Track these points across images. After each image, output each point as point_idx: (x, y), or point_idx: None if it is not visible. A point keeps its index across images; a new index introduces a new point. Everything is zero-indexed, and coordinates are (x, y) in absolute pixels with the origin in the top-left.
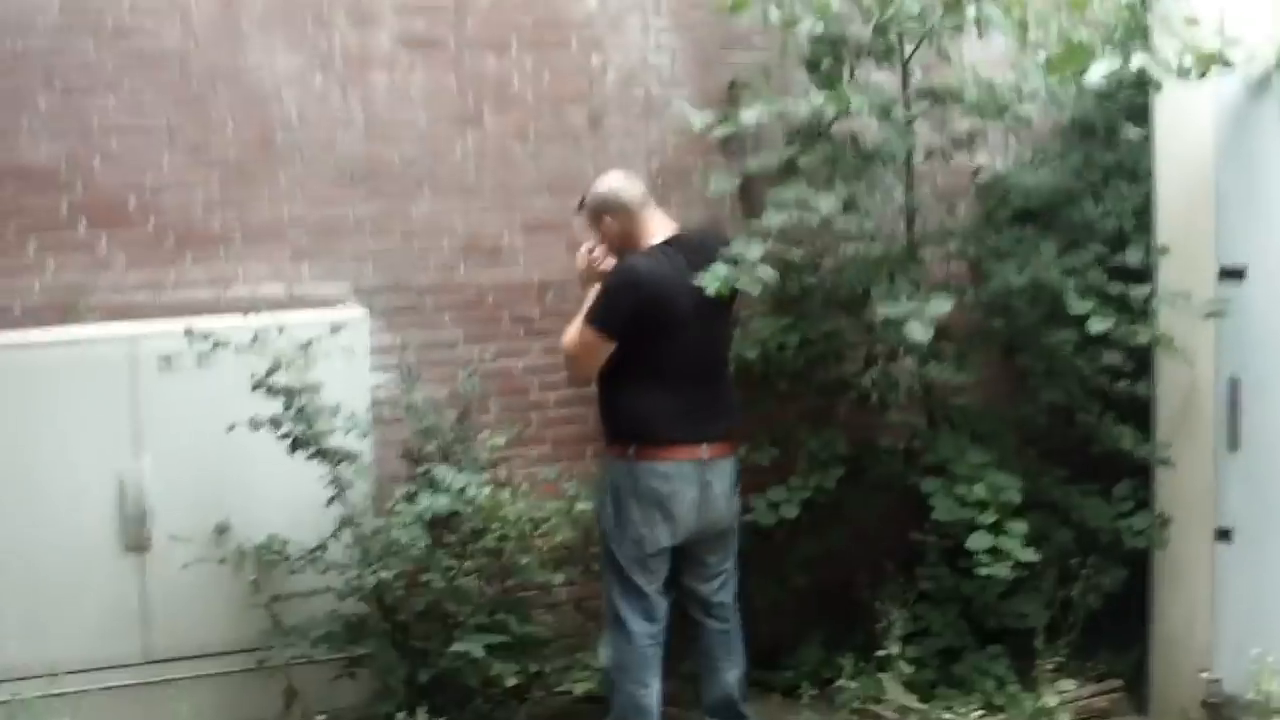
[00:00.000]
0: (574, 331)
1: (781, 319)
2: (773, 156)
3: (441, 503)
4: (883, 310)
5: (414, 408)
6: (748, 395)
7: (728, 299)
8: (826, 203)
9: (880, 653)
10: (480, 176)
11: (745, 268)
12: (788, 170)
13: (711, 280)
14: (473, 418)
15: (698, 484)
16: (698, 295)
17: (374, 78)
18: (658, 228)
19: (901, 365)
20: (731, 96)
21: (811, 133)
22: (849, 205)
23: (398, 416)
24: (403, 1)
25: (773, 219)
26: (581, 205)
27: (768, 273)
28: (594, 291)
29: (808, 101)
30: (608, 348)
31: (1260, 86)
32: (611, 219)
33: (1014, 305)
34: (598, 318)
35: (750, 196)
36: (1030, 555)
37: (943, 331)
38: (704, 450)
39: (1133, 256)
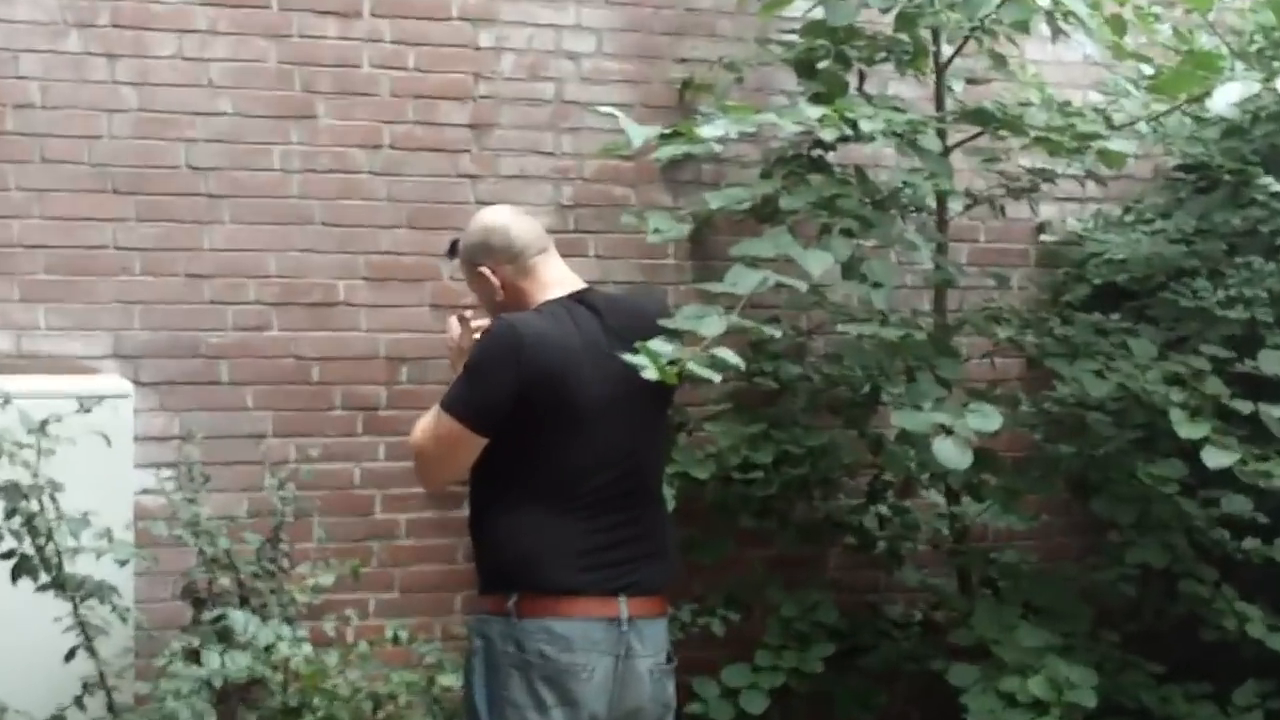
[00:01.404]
0: (427, 419)
1: (748, 424)
2: (742, 193)
3: (239, 665)
4: (899, 420)
5: (199, 526)
6: (693, 532)
7: (663, 389)
8: (819, 262)
9: None
10: (307, 197)
11: (696, 349)
12: (764, 213)
13: (649, 362)
14: (286, 545)
15: (613, 655)
16: (618, 376)
17: (155, 43)
18: (559, 281)
19: (922, 501)
20: (684, 104)
21: (801, 162)
22: (851, 268)
23: (175, 538)
24: None
25: (741, 281)
26: (453, 250)
27: (730, 357)
28: None
29: (796, 116)
30: (474, 444)
31: None
32: (493, 269)
33: (1091, 424)
34: (458, 399)
35: (706, 248)
36: None
37: (985, 456)
38: (623, 606)
39: (1269, 362)
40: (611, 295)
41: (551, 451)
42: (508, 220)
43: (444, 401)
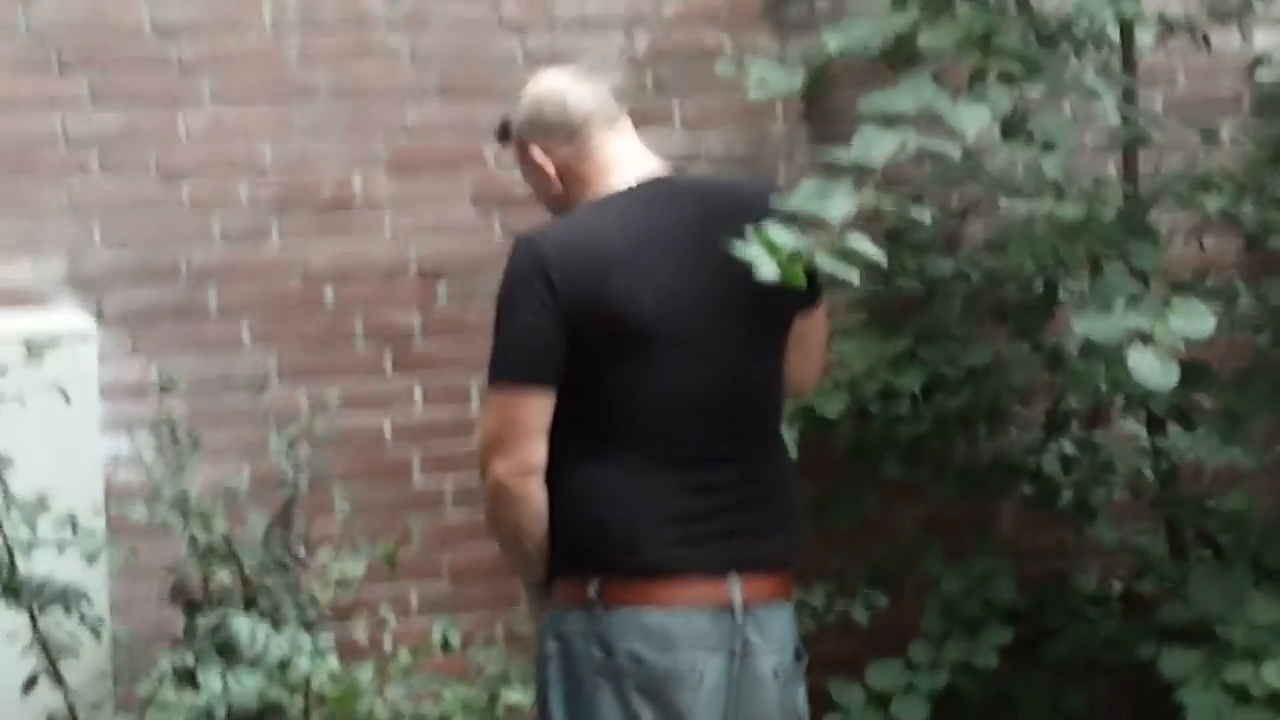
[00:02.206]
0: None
1: (888, 341)
2: (870, 30)
3: (246, 688)
4: (1082, 326)
5: (188, 505)
6: (824, 487)
7: (779, 297)
8: (973, 119)
9: None
10: (310, 61)
11: (822, 236)
12: (899, 56)
13: (765, 255)
14: (301, 525)
15: (726, 653)
16: (708, 285)
17: None
18: (628, 162)
19: (1117, 432)
20: None
21: None
22: (1014, 125)
23: (158, 523)
24: None
25: (872, 146)
26: (505, 131)
27: (866, 248)
28: None
29: None
30: (534, 407)
31: None
32: (547, 151)
33: None
34: (494, 359)
35: (825, 106)
36: None
37: (1196, 370)
38: (735, 588)
39: None
40: (701, 179)
41: (620, 389)
42: (565, 86)
43: (489, 372)
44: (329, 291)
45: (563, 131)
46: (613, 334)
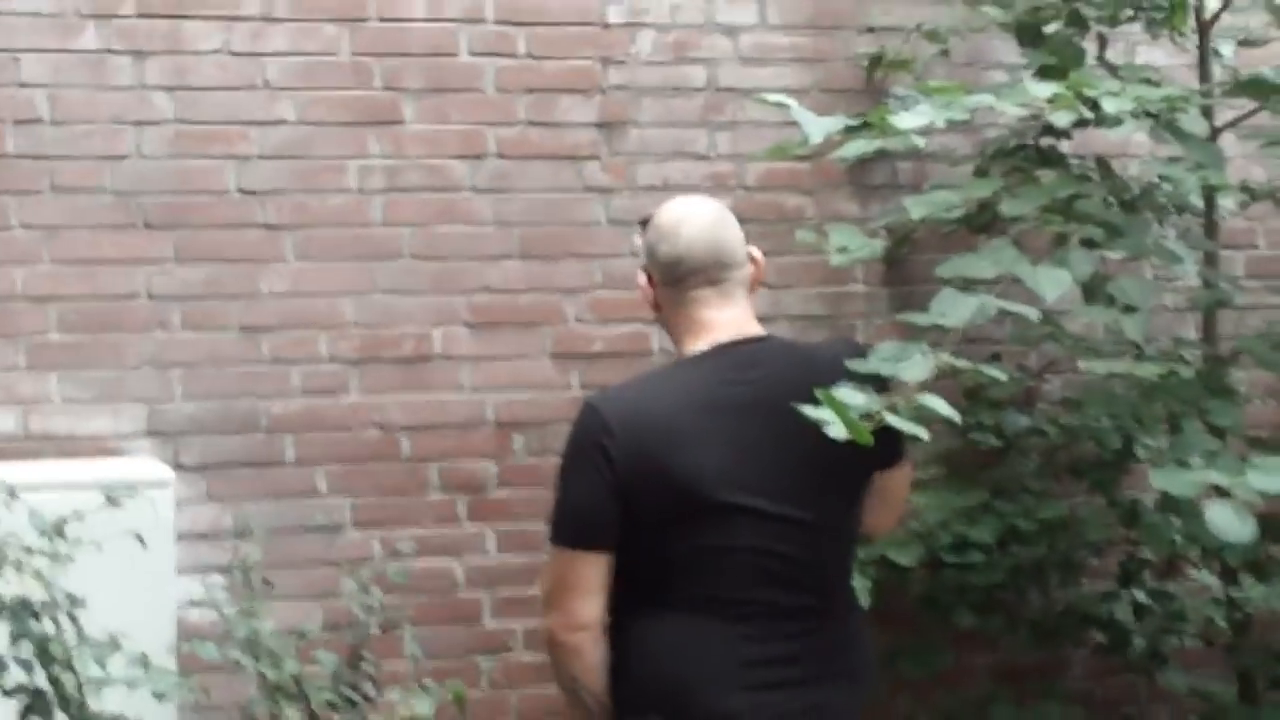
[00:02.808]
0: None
1: (963, 493)
2: (952, 197)
3: None
4: (1159, 482)
5: (259, 645)
6: (896, 636)
7: (854, 457)
8: (1053, 283)
9: None
10: (392, 224)
11: (900, 395)
12: (980, 222)
13: (833, 416)
14: (371, 665)
15: None
16: (786, 450)
17: (194, 35)
18: (722, 325)
19: (1191, 584)
20: (874, 86)
21: (1027, 155)
22: (1095, 288)
23: (229, 661)
24: None
25: (952, 310)
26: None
27: (941, 406)
28: None
29: (1019, 96)
30: (591, 568)
31: None
32: (650, 279)
33: None
34: (554, 519)
35: (906, 270)
36: None
37: (1272, 524)
38: None
39: None
40: (786, 342)
41: (681, 552)
42: (688, 224)
43: (549, 531)
44: (405, 442)
45: (665, 271)
46: (672, 503)
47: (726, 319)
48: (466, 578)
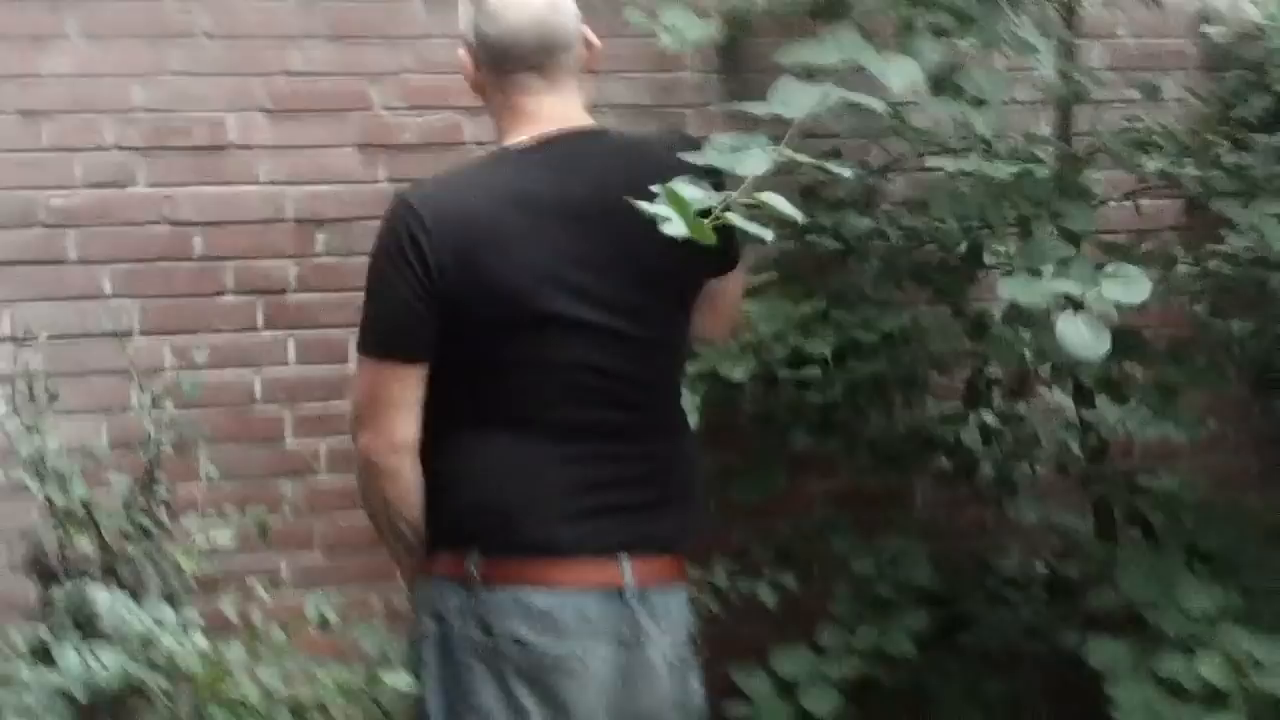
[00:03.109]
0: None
1: (799, 302)
2: None
3: (108, 666)
4: (1009, 290)
5: (44, 465)
6: (727, 458)
7: (690, 260)
8: (900, 73)
9: None
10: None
11: (739, 191)
12: (823, 6)
13: (673, 212)
14: (165, 488)
15: (615, 640)
16: (608, 248)
17: None
18: (547, 117)
19: (1042, 403)
20: None
21: None
22: (944, 79)
23: (12, 482)
24: None
25: (792, 100)
26: None
27: (782, 205)
28: None
29: None
30: (406, 380)
31: None
32: (472, 61)
33: (1278, 289)
34: (363, 326)
35: (742, 57)
36: None
37: (1129, 339)
38: (627, 569)
39: None
40: (615, 135)
41: (501, 364)
42: (512, 2)
43: (358, 340)
44: (198, 239)
45: (488, 52)
46: (491, 312)
47: (552, 109)
48: (265, 391)
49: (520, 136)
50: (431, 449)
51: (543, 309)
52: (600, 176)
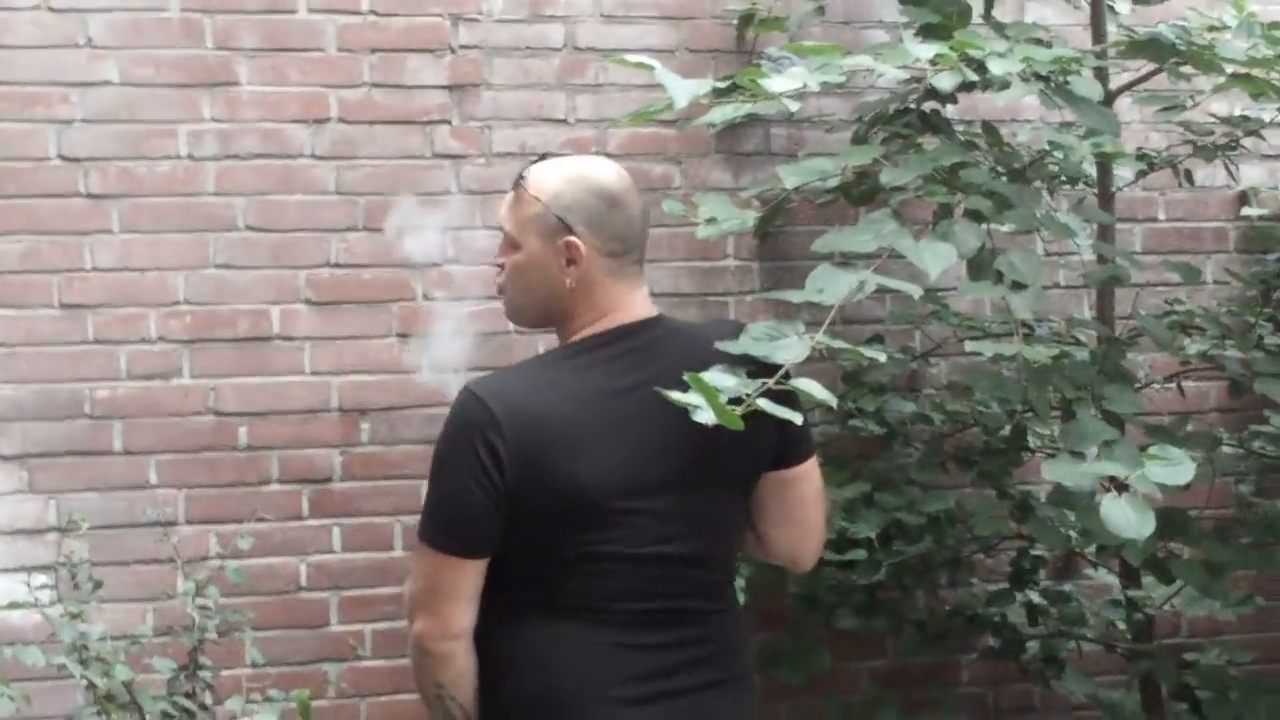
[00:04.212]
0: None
1: (844, 486)
2: (829, 165)
3: None
4: (1052, 473)
5: (88, 650)
6: (773, 639)
7: (742, 448)
8: (937, 258)
9: None
10: (226, 194)
11: (774, 379)
12: (859, 193)
13: (702, 400)
14: (209, 673)
15: None
16: (678, 446)
17: None
18: (636, 301)
19: (1089, 583)
20: (745, 46)
21: (909, 121)
22: (982, 264)
23: (56, 667)
24: None
25: (829, 286)
26: (519, 184)
27: (817, 391)
28: None
29: (900, 57)
30: (466, 573)
31: None
32: (586, 249)
33: None
34: (425, 516)
35: (780, 244)
36: None
37: (1173, 520)
38: None
39: None
40: (679, 325)
41: (564, 556)
42: (627, 188)
43: (419, 525)
44: (243, 430)
45: (614, 239)
46: (561, 508)
47: (635, 297)
48: (310, 577)
49: (596, 327)
50: (488, 634)
51: (614, 505)
52: (665, 365)
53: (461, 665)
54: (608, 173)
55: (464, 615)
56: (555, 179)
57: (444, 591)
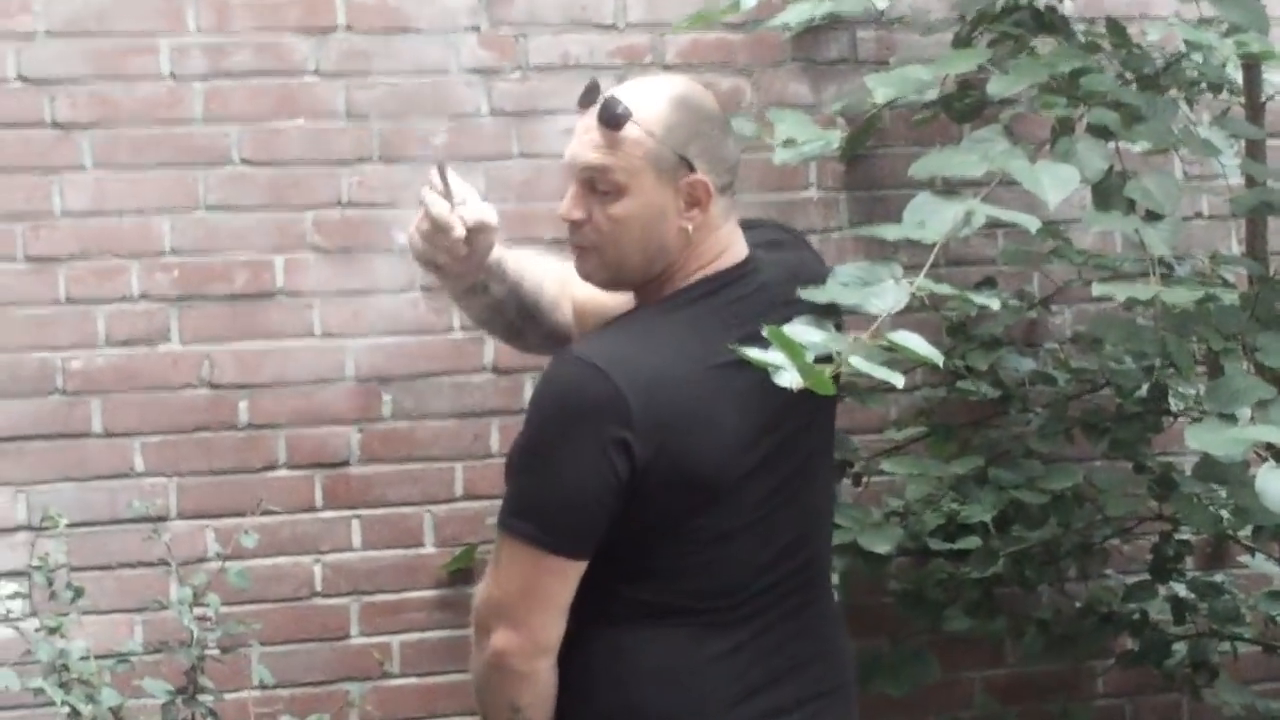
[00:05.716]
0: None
1: (955, 462)
2: (926, 75)
3: None
4: (1197, 441)
5: (66, 670)
6: (873, 643)
7: (823, 412)
8: (1057, 183)
9: None
10: (217, 120)
11: (868, 333)
12: (964, 108)
13: (786, 359)
14: (211, 695)
15: None
16: (783, 411)
17: None
18: (732, 240)
19: (1244, 573)
20: None
21: (1020, 19)
22: (1110, 191)
23: (32, 691)
24: None
25: (930, 219)
26: (596, 97)
27: (921, 346)
28: None
29: None
30: (561, 578)
31: None
32: (701, 185)
33: None
34: (523, 508)
35: (870, 169)
36: None
37: None
38: None
39: None
40: (772, 264)
41: (681, 541)
42: (723, 117)
43: (502, 515)
44: (243, 405)
45: (728, 179)
46: (680, 499)
47: (739, 237)
48: (326, 580)
49: (697, 275)
50: (579, 643)
51: (733, 484)
52: (767, 315)
53: (545, 685)
54: (704, 91)
55: (555, 627)
56: (661, 106)
57: (540, 598)
